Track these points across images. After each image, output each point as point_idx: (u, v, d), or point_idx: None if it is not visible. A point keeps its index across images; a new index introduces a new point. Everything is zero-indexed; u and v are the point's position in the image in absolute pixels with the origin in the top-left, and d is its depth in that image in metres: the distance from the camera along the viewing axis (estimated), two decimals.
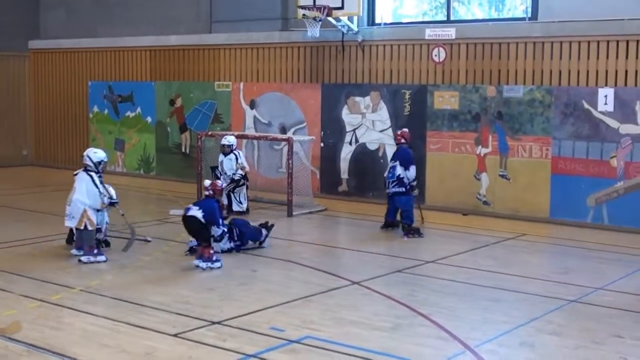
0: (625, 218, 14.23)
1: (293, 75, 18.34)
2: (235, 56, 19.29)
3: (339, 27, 16.80)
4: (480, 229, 14.24)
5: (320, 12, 16.09)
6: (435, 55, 16.23)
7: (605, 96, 14.28)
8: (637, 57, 14.07)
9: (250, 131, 18.76)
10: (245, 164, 15.64)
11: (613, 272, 11.17)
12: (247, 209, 15.37)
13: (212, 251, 11.07)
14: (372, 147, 17.16)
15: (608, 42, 14.32)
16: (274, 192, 17.27)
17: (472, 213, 15.16)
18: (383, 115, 16.95)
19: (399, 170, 13.60)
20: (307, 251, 12.28)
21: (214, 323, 8.50)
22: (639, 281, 10.73)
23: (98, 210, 11.35)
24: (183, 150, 20.28)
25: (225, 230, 11.54)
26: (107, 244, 11.92)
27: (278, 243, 12.57)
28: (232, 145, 15.52)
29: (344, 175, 17.59)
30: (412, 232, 13.49)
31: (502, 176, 15.47)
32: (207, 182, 11.60)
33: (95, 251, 11.31)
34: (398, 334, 8.27)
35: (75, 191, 11.31)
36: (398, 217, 13.85)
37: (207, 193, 11.43)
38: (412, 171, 13.62)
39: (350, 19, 16.74)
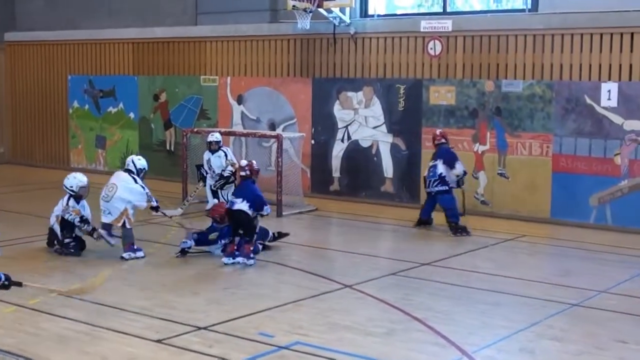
0: (630, 218, 14.25)
1: (282, 69, 18.30)
2: (222, 49, 19.24)
3: (331, 18, 16.78)
4: (478, 230, 14.23)
5: (310, 3, 16.07)
6: (431, 49, 16.22)
7: (609, 91, 14.29)
8: None
9: (237, 128, 18.72)
10: (235, 160, 15.64)
11: (617, 275, 11.17)
12: None
13: (252, 248, 11.28)
14: (365, 144, 17.14)
15: (612, 34, 14.32)
16: (262, 192, 17.19)
17: (469, 213, 15.13)
18: (376, 111, 16.93)
19: (441, 169, 13.92)
20: (297, 253, 12.25)
21: (199, 328, 8.47)
22: None
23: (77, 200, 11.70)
24: (167, 147, 20.23)
25: (269, 211, 11.92)
26: (82, 244, 11.94)
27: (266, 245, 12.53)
28: (221, 142, 15.50)
29: (336, 173, 17.57)
30: (459, 230, 13.76)
31: (501, 175, 15.47)
32: (244, 162, 11.98)
33: (135, 247, 11.78)
34: (392, 340, 8.25)
35: (117, 188, 11.78)
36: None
37: (243, 174, 11.68)
38: (460, 167, 14.08)
39: (342, 10, 16.71)
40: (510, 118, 15.35)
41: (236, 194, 11.75)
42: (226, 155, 15.35)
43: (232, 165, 15.28)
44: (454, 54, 16.01)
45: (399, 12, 17.59)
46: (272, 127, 18.29)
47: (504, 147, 15.39)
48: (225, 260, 11.34)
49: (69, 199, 11.97)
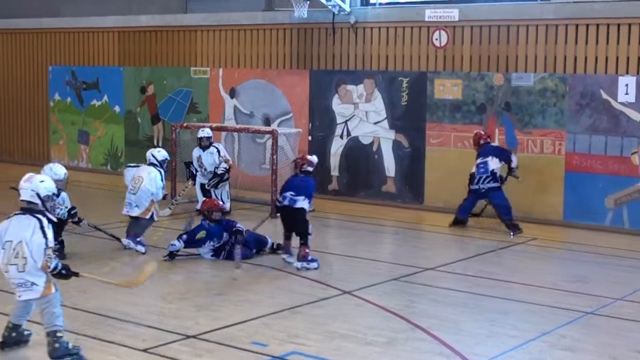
0: None
1: (278, 61, 18.31)
2: (213, 39, 19.25)
3: (330, 6, 16.79)
4: (486, 233, 14.25)
5: None
6: (436, 39, 16.23)
7: (626, 85, 14.32)
8: None
9: (230, 123, 18.72)
10: (229, 157, 15.68)
11: (634, 281, 11.20)
12: (230, 209, 15.33)
13: (308, 250, 11.38)
14: (365, 141, 17.16)
15: (630, 25, 14.35)
16: (256, 191, 17.25)
17: (476, 215, 15.16)
18: (378, 105, 16.95)
19: (493, 165, 14.22)
20: (293, 257, 12.23)
21: (188, 337, 8.47)
22: None
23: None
24: (155, 143, 20.21)
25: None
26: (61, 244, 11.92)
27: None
28: (212, 137, 15.50)
29: (334, 172, 17.59)
30: (516, 228, 14.16)
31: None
32: (315, 158, 12.18)
33: (139, 239, 12.26)
34: (394, 350, 8.26)
35: (143, 181, 12.33)
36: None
37: (310, 169, 11.91)
38: (515, 159, 14.43)
39: None
40: (521, 114, 15.37)
41: (297, 190, 11.60)
42: (219, 151, 15.36)
43: (226, 162, 15.29)
44: (460, 45, 16.03)
45: (402, 0, 17.59)
46: (267, 122, 18.30)
47: (514, 145, 15.40)
48: (285, 257, 11.71)
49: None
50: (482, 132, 15.01)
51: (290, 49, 18.09)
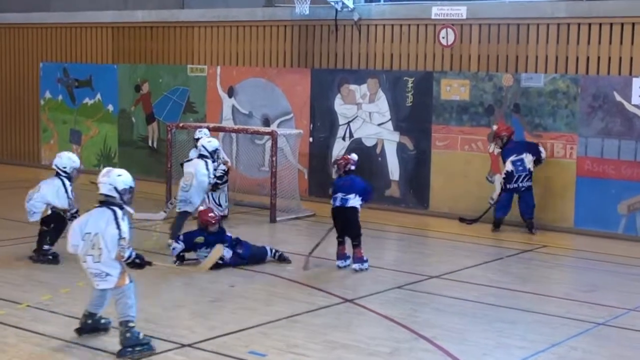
0: None
1: (278, 59, 18.33)
2: (211, 36, 19.26)
3: (332, 3, 16.81)
4: (493, 240, 14.26)
5: None
6: (443, 38, 16.25)
7: None
8: None
9: (228, 123, 18.73)
10: (227, 159, 15.69)
11: None
12: (228, 213, 15.33)
13: (362, 250, 11.72)
14: (369, 143, 17.17)
15: None
16: (254, 194, 17.26)
17: (483, 221, 15.17)
18: (382, 106, 16.96)
19: (528, 162, 14.67)
20: (293, 263, 12.25)
21: (183, 346, 8.47)
22: None
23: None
24: (150, 144, 20.25)
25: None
26: (55, 257, 11.89)
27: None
28: None
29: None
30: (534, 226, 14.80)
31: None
32: (354, 156, 12.42)
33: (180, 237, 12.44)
34: None
35: (193, 177, 12.91)
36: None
37: (352, 167, 12.09)
38: (544, 153, 14.93)
39: None
40: (530, 116, 15.38)
41: (346, 190, 11.82)
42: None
43: (225, 163, 15.29)
44: (468, 43, 16.04)
45: None
46: (266, 122, 18.31)
47: None
48: (338, 263, 11.92)
49: (65, 186, 11.81)
50: (503, 126, 15.22)
51: (291, 47, 18.10)
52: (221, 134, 18.25)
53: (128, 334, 8.10)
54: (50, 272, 11.36)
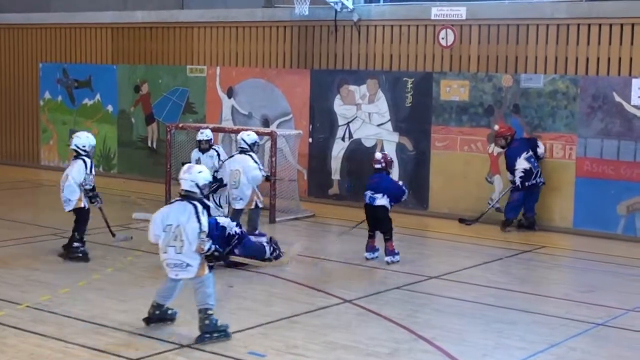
0: None
1: (278, 59, 18.34)
2: (210, 36, 19.27)
3: (332, 3, 16.81)
4: (493, 240, 14.26)
5: None
6: (443, 38, 16.26)
7: None
8: None
9: (227, 123, 18.75)
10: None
11: None
12: (227, 214, 15.31)
13: (393, 244, 12.23)
14: (368, 143, 17.18)
15: None
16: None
17: (482, 222, 15.18)
18: (381, 106, 16.97)
19: (536, 158, 14.91)
20: (292, 264, 12.24)
21: (182, 346, 8.49)
22: None
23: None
24: (149, 144, 20.26)
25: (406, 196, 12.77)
26: (85, 255, 12.09)
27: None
28: (212, 140, 15.48)
29: (336, 176, 17.61)
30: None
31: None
32: (378, 155, 12.68)
33: (258, 232, 13.34)
34: None
35: (241, 174, 13.43)
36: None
37: (378, 166, 12.39)
38: (542, 145, 15.23)
39: None
40: (530, 116, 15.39)
41: (374, 189, 12.28)
42: (219, 155, 15.32)
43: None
44: (467, 44, 16.05)
45: None
46: (266, 123, 18.32)
47: None
48: (366, 255, 12.43)
49: (86, 164, 12.16)
50: (504, 126, 15.36)
51: (290, 48, 18.11)
52: (221, 135, 18.28)
53: (207, 321, 8.59)
54: (49, 272, 11.38)
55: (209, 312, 8.63)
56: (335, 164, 17.57)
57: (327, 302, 10.27)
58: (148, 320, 8.98)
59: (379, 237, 12.46)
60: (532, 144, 14.98)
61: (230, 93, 18.93)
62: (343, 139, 17.45)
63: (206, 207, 8.74)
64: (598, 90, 14.73)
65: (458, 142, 16.12)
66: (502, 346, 8.77)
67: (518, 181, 14.75)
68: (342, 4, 16.81)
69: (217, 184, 15.12)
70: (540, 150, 14.98)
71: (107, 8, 20.89)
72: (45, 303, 9.84)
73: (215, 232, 11.80)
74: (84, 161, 12.11)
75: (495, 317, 9.80)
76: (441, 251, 13.54)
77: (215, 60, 19.22)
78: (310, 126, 17.78)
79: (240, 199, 13.51)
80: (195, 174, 8.78)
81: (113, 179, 20.24)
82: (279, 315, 9.59)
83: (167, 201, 15.63)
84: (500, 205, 15.49)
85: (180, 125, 17.56)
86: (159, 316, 9.01)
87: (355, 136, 17.31)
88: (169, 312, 9.08)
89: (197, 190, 8.74)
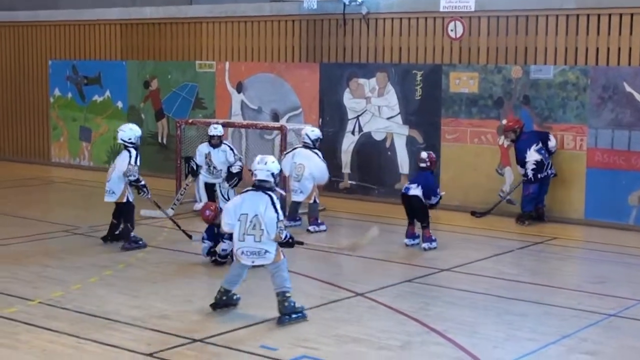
0: None
1: (287, 54, 18.35)
2: (219, 31, 19.29)
3: None
4: (503, 232, 14.26)
5: None
6: (452, 30, 16.24)
7: None
8: None
9: (237, 118, 18.77)
10: (241, 155, 15.75)
11: None
12: None
13: (430, 231, 12.86)
14: (378, 137, 17.19)
15: None
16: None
17: (493, 214, 15.18)
18: (391, 100, 16.97)
19: (547, 150, 15.06)
20: (303, 257, 12.27)
21: (195, 341, 8.52)
22: None
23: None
24: (159, 140, 20.30)
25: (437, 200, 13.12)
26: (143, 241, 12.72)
27: None
28: (222, 135, 15.46)
29: (346, 169, 17.62)
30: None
31: None
32: (424, 154, 13.19)
33: (319, 221, 14.20)
34: (408, 354, 8.30)
35: (305, 168, 14.06)
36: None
37: (423, 165, 13.08)
38: (553, 138, 15.26)
39: None
40: (540, 108, 15.38)
41: (412, 181, 13.17)
42: (232, 150, 15.29)
43: (239, 159, 15.30)
44: (477, 36, 16.04)
45: None
46: (275, 117, 18.34)
47: None
48: (406, 241, 13.07)
49: (130, 154, 12.55)
50: (514, 118, 15.38)
51: (299, 42, 18.12)
52: (230, 130, 18.31)
53: (286, 303, 9.05)
54: (61, 269, 11.43)
55: (287, 294, 9.07)
56: (345, 157, 17.58)
57: (338, 295, 10.30)
58: (215, 306, 9.41)
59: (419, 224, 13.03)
60: (543, 137, 14.95)
61: (239, 88, 18.96)
62: (353, 132, 17.46)
63: (277, 195, 9.24)
64: (608, 80, 14.70)
65: (468, 134, 16.11)
66: (513, 338, 8.79)
67: (530, 174, 14.72)
68: None
69: (237, 179, 15.17)
70: (552, 144, 14.94)
71: (116, 4, 20.93)
72: (58, 299, 9.90)
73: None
74: (129, 152, 12.55)
75: (507, 309, 9.82)
76: (452, 244, 13.54)
77: (224, 55, 19.24)
78: (320, 120, 17.79)
79: (301, 192, 14.14)
80: (270, 164, 9.15)
81: None
82: None
83: (175, 197, 15.68)
84: (512, 197, 15.48)
85: (190, 120, 17.57)
86: (225, 301, 9.44)
87: (365, 129, 17.32)
88: (234, 297, 9.54)
89: (272, 180, 9.12)
